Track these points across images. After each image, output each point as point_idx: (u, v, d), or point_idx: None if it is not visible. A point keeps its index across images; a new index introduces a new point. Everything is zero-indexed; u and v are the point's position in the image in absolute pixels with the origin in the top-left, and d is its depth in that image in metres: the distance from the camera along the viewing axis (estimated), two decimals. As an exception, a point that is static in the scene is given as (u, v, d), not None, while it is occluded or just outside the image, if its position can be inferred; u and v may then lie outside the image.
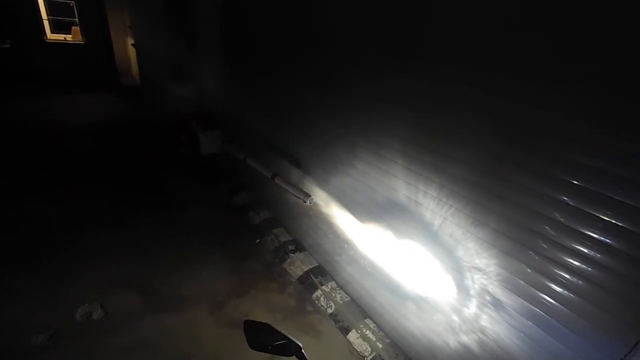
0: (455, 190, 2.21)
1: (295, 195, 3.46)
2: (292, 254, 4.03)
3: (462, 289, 2.31)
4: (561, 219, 1.82)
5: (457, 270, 2.30)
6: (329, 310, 3.39)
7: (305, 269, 3.83)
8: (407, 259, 2.65)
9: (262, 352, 1.41)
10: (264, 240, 4.33)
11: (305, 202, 3.32)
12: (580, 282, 1.81)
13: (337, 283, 3.65)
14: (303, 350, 1.28)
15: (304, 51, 3.42)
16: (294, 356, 1.30)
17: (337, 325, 3.26)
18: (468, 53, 2.06)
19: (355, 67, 2.81)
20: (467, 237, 2.19)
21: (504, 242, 2.05)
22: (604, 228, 1.67)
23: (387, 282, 2.95)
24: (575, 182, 1.73)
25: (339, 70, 2.99)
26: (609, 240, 1.68)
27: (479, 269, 2.18)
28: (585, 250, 1.76)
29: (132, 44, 10.40)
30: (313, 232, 3.90)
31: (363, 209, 3.04)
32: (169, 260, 3.80)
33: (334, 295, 3.53)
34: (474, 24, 2.02)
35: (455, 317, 2.43)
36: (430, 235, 2.42)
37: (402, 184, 2.57)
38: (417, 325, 2.78)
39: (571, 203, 1.75)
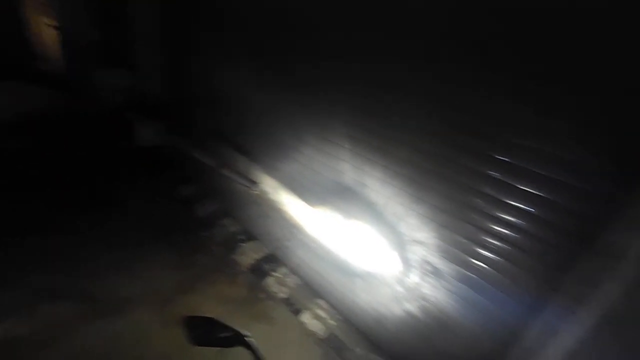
0: (399, 172, 2.34)
1: (242, 184, 3.37)
2: (243, 244, 3.94)
3: (405, 262, 2.48)
4: (491, 193, 2.03)
5: (401, 245, 2.46)
6: (282, 296, 3.41)
7: (256, 258, 3.78)
8: (355, 239, 2.77)
9: (208, 346, 1.37)
10: (213, 232, 4.16)
11: (252, 190, 3.25)
12: (506, 246, 2.05)
13: (288, 268, 3.68)
14: (251, 339, 1.27)
15: (250, 33, 3.27)
16: (243, 346, 1.29)
17: (290, 309, 3.30)
18: (410, 42, 2.15)
19: (301, 51, 2.78)
20: (409, 214, 2.35)
21: (442, 216, 2.24)
22: (525, 197, 1.90)
23: (337, 262, 3.06)
24: (503, 159, 1.93)
25: (284, 56, 2.93)
26: (528, 208, 1.92)
27: (420, 242, 2.36)
28: (510, 218, 2.00)
29: (49, 24, 8.86)
30: (263, 221, 3.86)
31: (311, 194, 3.07)
32: (108, 262, 3.46)
33: (286, 280, 3.56)
34: (413, 16, 2.11)
35: (399, 288, 2.62)
36: (376, 215, 2.55)
37: (348, 167, 2.64)
38: (366, 299, 2.94)
39: (500, 178, 1.96)
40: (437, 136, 2.13)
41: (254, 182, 3.25)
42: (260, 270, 3.67)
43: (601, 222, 1.66)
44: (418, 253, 2.40)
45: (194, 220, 4.38)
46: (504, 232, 2.03)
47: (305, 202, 3.13)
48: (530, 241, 1.95)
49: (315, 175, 2.98)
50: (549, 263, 1.86)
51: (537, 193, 1.85)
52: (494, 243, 2.09)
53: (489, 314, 2.14)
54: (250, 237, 4.06)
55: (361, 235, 2.70)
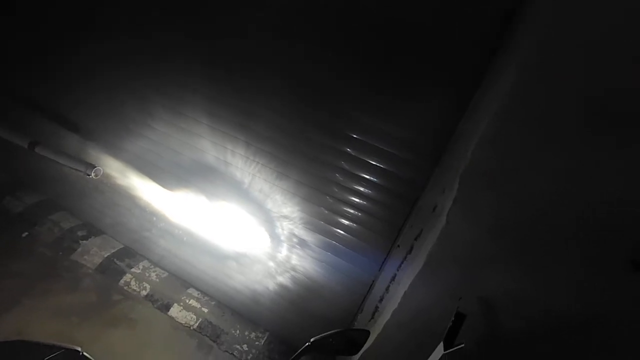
0: (261, 148, 2.28)
1: (72, 168, 2.69)
2: (84, 241, 3.24)
3: (275, 237, 2.52)
4: (346, 167, 2.20)
5: (269, 221, 2.47)
6: (143, 293, 3.01)
7: (106, 255, 3.19)
8: (223, 220, 2.63)
9: None
10: (37, 231, 3.26)
11: (89, 175, 2.65)
12: (359, 213, 2.30)
13: (150, 261, 3.25)
14: (84, 354, 1.05)
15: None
16: None
17: (155, 306, 2.95)
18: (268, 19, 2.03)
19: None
20: (274, 190, 2.35)
21: (305, 190, 2.32)
22: (371, 169, 2.14)
23: (206, 247, 2.86)
24: (354, 136, 2.10)
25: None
26: (374, 179, 2.17)
27: (286, 217, 2.41)
28: (362, 189, 2.23)
29: None
30: (110, 211, 3.24)
31: (169, 175, 2.72)
32: None
33: (147, 274, 3.14)
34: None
35: (271, 263, 2.66)
36: (242, 194, 2.46)
37: (209, 145, 2.42)
38: (240, 279, 2.89)
39: (353, 153, 2.14)
40: (297, 114, 2.15)
41: (89, 165, 2.64)
42: (112, 268, 3.12)
43: (422, 187, 2.03)
44: (285, 227, 2.45)
45: (4, 218, 3.33)
46: (357, 201, 2.26)
47: (163, 185, 2.76)
48: (377, 207, 2.23)
49: (171, 154, 2.63)
50: (391, 223, 2.19)
51: (379, 165, 2.12)
52: (350, 212, 2.32)
53: (349, 273, 2.40)
54: (94, 231, 3.37)
55: (229, 216, 2.57)
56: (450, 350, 1.77)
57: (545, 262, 1.62)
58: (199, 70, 2.26)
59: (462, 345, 1.71)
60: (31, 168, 3.37)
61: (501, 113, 1.45)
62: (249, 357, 2.75)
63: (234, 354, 2.76)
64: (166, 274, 3.21)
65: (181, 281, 3.19)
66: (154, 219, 2.97)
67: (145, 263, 3.25)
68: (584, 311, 1.61)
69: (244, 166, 2.36)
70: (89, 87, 2.70)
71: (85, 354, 1.06)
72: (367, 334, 1.30)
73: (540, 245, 1.62)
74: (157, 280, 3.13)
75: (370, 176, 2.18)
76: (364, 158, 2.15)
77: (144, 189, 2.85)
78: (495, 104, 1.48)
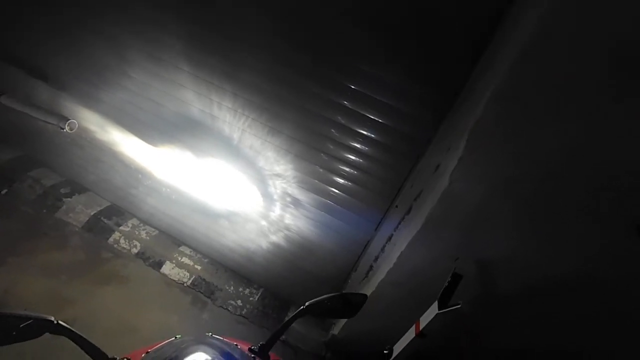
0: (250, 100, 2.08)
1: (44, 121, 2.47)
2: (68, 199, 3.11)
3: (267, 196, 2.41)
4: (342, 121, 2.03)
5: (261, 180, 2.34)
6: (134, 250, 2.96)
7: (92, 213, 3.08)
8: (212, 178, 2.50)
9: (6, 344, 1.00)
10: (16, 188, 3.10)
11: (64, 129, 2.44)
12: (355, 171, 2.18)
13: (139, 219, 3.16)
14: (60, 322, 0.97)
15: None
16: (53, 332, 0.97)
17: (147, 263, 2.92)
18: None
19: None
20: (266, 146, 2.19)
21: (299, 147, 2.17)
22: (370, 124, 1.98)
23: (196, 206, 2.76)
24: (352, 86, 1.90)
25: None
26: (373, 135, 2.02)
27: (279, 175, 2.28)
28: (359, 146, 2.08)
29: None
30: (93, 167, 3.07)
31: (152, 130, 2.52)
32: None
33: (137, 232, 3.07)
34: None
35: (264, 222, 2.59)
36: (232, 150, 2.30)
37: (192, 96, 2.21)
38: (232, 238, 2.83)
39: (350, 106, 1.95)
40: (289, 61, 1.93)
41: (62, 118, 2.42)
42: (100, 226, 3.03)
43: (426, 144, 1.89)
44: (278, 186, 2.34)
45: (-19, 175, 3.15)
46: (354, 159, 2.13)
47: (147, 141, 2.57)
48: (375, 165, 2.11)
49: (153, 106, 2.42)
50: (389, 182, 2.08)
51: (379, 120, 1.95)
52: (346, 170, 2.19)
53: (344, 233, 2.34)
54: (77, 189, 3.22)
55: (218, 173, 2.44)
56: (445, 309, 1.77)
57: (548, 225, 1.55)
58: (173, 4, 1.96)
59: (459, 305, 1.70)
60: (1, 121, 3.12)
61: (518, 66, 1.27)
62: (243, 312, 2.79)
63: (229, 309, 2.79)
64: (156, 231, 3.14)
65: (172, 239, 3.13)
66: (140, 176, 2.83)
67: (134, 221, 3.16)
68: (583, 274, 1.58)
69: (232, 120, 2.18)
70: (49, 27, 2.37)
71: (60, 322, 0.98)
72: (364, 297, 1.24)
73: (543, 208, 1.54)
74: (148, 238, 3.07)
75: (368, 132, 2.02)
76: (362, 112, 1.97)
77: (126, 145, 2.66)
78: (512, 54, 1.30)
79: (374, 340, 2.24)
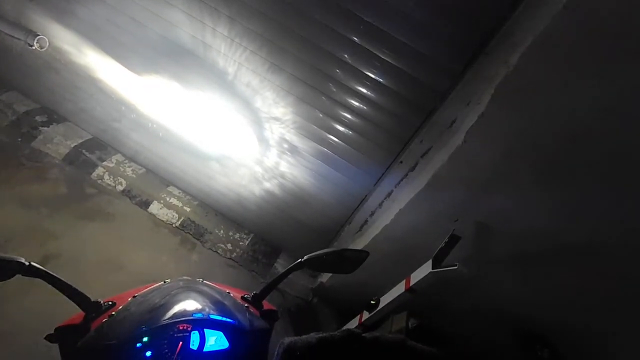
0: (249, 28, 1.81)
1: (7, 34, 2.14)
2: (45, 128, 2.87)
3: (263, 141, 2.25)
4: (349, 60, 1.82)
5: (257, 122, 2.16)
6: (120, 188, 2.83)
7: (73, 145, 2.87)
8: (203, 116, 2.30)
9: None
10: (-15, 112, 2.83)
11: (32, 46, 2.13)
12: (357, 119, 2.02)
13: (124, 155, 2.98)
14: (32, 263, 0.87)
15: None
16: (23, 275, 0.87)
17: (133, 201, 2.81)
18: None
19: None
20: (265, 85, 1.98)
21: (300, 88, 1.97)
22: (380, 67, 1.78)
23: (185, 145, 2.59)
24: (367, 19, 1.66)
25: None
26: (382, 80, 1.83)
27: (277, 119, 2.10)
28: (363, 90, 1.89)
29: None
30: (70, 95, 2.79)
31: (135, 55, 2.24)
32: None
33: (122, 169, 2.91)
34: None
35: (258, 168, 2.46)
36: (226, 86, 2.07)
37: (183, 18, 1.92)
38: (223, 182, 2.72)
39: (358, 42, 1.73)
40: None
41: (30, 32, 2.11)
42: (82, 160, 2.85)
43: (442, 95, 1.72)
44: (275, 131, 2.17)
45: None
46: (358, 106, 1.95)
47: (128, 67, 2.30)
48: (382, 115, 1.95)
49: (136, 27, 2.11)
50: (396, 136, 1.94)
51: (392, 62, 1.74)
52: (348, 117, 2.03)
53: (342, 185, 2.25)
54: (55, 118, 2.97)
55: (209, 111, 2.23)
56: (439, 269, 1.76)
57: (564, 191, 1.48)
58: None
59: (455, 267, 1.69)
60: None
61: (568, 12, 1.08)
62: (232, 256, 2.79)
63: (218, 252, 2.78)
64: (143, 170, 2.99)
65: (160, 178, 3.00)
66: (123, 108, 2.59)
67: (119, 157, 2.98)
68: (590, 245, 1.55)
69: (227, 51, 1.92)
70: None
71: (33, 264, 0.87)
72: (365, 254, 1.18)
73: (562, 173, 1.46)
74: (134, 176, 2.93)
75: (377, 76, 1.82)
76: (373, 50, 1.74)
77: (106, 71, 2.38)
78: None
79: (361, 291, 2.28)
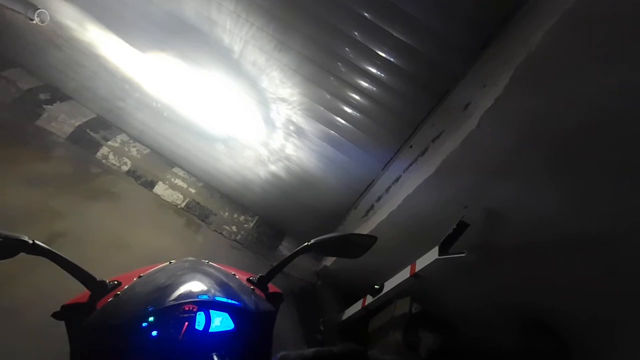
0: (256, 2, 1.74)
1: (7, 7, 2.08)
2: (49, 106, 2.84)
3: (269, 123, 2.21)
4: (359, 38, 1.75)
5: (263, 103, 2.11)
6: (124, 168, 2.82)
7: (77, 124, 2.85)
8: (209, 96, 2.25)
9: None
10: (-12, 88, 2.80)
11: (33, 20, 2.07)
12: (366, 101, 1.96)
13: (128, 135, 2.95)
14: (36, 242, 0.85)
15: None
16: (27, 253, 0.86)
17: (138, 182, 2.81)
18: None
19: None
20: (272, 64, 1.92)
21: (308, 67, 1.90)
22: (392, 45, 1.70)
23: (191, 126, 2.55)
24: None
25: None
26: (394, 59, 1.76)
27: (284, 100, 2.05)
28: (373, 70, 1.83)
29: None
30: (73, 72, 2.74)
31: (140, 32, 2.18)
32: None
33: (127, 149, 2.89)
34: None
35: (263, 150, 2.42)
36: (231, 65, 2.01)
37: (187, -8, 1.84)
38: (229, 163, 2.70)
39: (370, 18, 1.65)
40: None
41: (30, 6, 2.05)
42: (87, 139, 2.83)
43: (457, 77, 1.65)
44: (282, 112, 2.12)
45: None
46: (367, 87, 1.89)
47: (133, 45, 2.24)
48: (392, 97, 1.88)
49: (141, 3, 2.04)
50: (407, 119, 1.88)
51: (404, 40, 1.66)
52: (357, 99, 1.97)
53: (349, 169, 2.21)
54: (59, 96, 2.94)
55: (214, 91, 2.18)
56: (446, 256, 1.74)
57: (577, 181, 1.44)
58: None
59: (464, 254, 1.67)
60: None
61: None
62: (237, 238, 2.79)
63: (223, 233, 2.79)
64: (148, 150, 2.97)
65: (165, 159, 2.98)
66: (127, 87, 2.54)
67: (124, 137, 2.96)
68: (599, 237, 1.52)
69: (233, 28, 1.85)
70: None
71: (37, 242, 0.86)
72: (373, 240, 1.16)
73: (572, 162, 1.41)
74: (139, 156, 2.91)
75: (388, 55, 1.75)
76: (386, 27, 1.66)
77: (110, 48, 2.33)
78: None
79: (365, 275, 2.28)
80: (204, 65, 2.11)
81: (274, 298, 1.15)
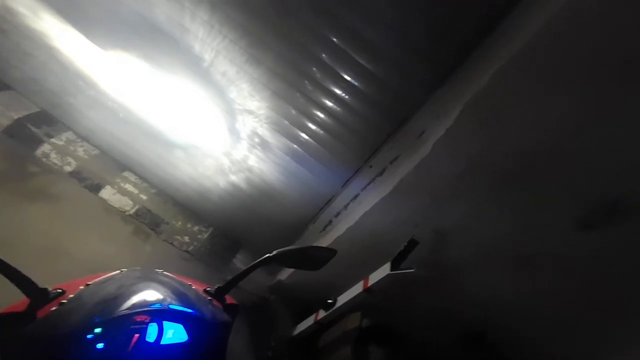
0: (231, 16, 1.77)
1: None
2: (-17, 94, 2.56)
3: (233, 133, 2.21)
4: (327, 61, 1.84)
5: (229, 113, 2.11)
6: (68, 168, 2.60)
7: (17, 117, 2.59)
8: (172, 101, 2.19)
9: None
10: None
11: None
12: (330, 120, 2.05)
13: (76, 133, 2.74)
14: None
15: None
16: None
17: (82, 184, 2.60)
18: None
19: None
20: (242, 76, 1.94)
21: (277, 83, 1.96)
22: (358, 71, 1.82)
23: (148, 129, 2.45)
24: (348, 22, 1.69)
25: None
26: (357, 83, 1.88)
27: (251, 112, 2.07)
28: (338, 92, 1.94)
29: None
30: (19, 61, 2.51)
31: (103, 28, 2.08)
32: None
33: (73, 148, 2.68)
34: None
35: (225, 160, 2.40)
36: (200, 73, 2.00)
37: (160, -4, 1.82)
38: (187, 171, 2.62)
39: (338, 43, 1.76)
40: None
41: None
42: (26, 134, 2.58)
43: (416, 106, 1.81)
44: (248, 124, 2.14)
45: None
46: (332, 107, 1.99)
47: (93, 40, 2.13)
48: (355, 118, 2.00)
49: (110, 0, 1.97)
50: (368, 140, 2.00)
51: (369, 67, 1.80)
52: (322, 117, 2.06)
53: (310, 184, 2.27)
54: (-2, 84, 2.66)
55: (180, 97, 2.14)
56: (397, 272, 1.84)
57: (513, 204, 1.63)
58: None
59: (413, 270, 1.78)
60: None
61: (544, 32, 1.19)
62: (189, 249, 2.68)
63: (174, 244, 2.66)
64: (97, 151, 2.78)
65: (116, 162, 2.80)
66: (81, 83, 2.39)
67: (70, 135, 2.74)
68: (529, 250, 1.72)
69: (206, 37, 1.86)
70: None
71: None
72: (333, 253, 1.21)
73: (515, 190, 1.60)
74: (86, 157, 2.71)
75: (354, 79, 1.87)
76: (352, 54, 1.78)
77: (67, 41, 2.19)
78: (538, 24, 1.22)
79: (319, 290, 2.32)
80: (170, 70, 2.07)
81: (230, 310, 1.13)
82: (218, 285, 1.16)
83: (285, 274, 2.56)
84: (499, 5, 1.50)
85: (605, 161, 1.35)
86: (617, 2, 1.08)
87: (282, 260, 1.16)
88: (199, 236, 2.78)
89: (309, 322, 2.30)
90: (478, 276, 1.89)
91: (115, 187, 2.68)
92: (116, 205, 2.61)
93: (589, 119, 1.29)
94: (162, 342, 0.89)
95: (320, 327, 2.29)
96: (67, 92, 2.52)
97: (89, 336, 0.82)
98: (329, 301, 2.16)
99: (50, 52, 2.32)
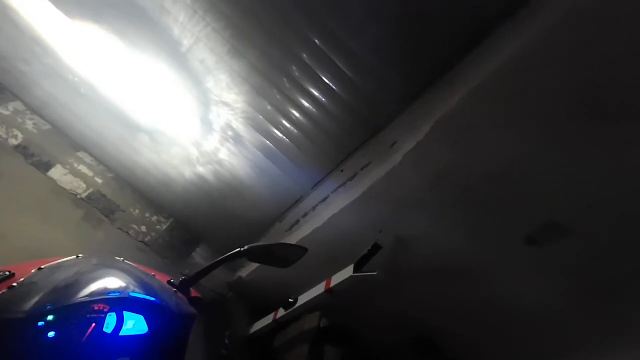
0: (216, 4, 1.73)
1: None
2: None
3: (206, 124, 2.14)
4: (307, 60, 1.86)
5: (204, 103, 2.05)
6: (13, 142, 2.35)
7: (-46, 77, 2.30)
8: (142, 82, 2.08)
9: None
10: None
11: None
12: (304, 120, 2.07)
13: (25, 104, 2.49)
14: None
15: None
16: None
17: (29, 161, 2.37)
18: None
19: None
20: (221, 67, 1.90)
21: (257, 78, 1.94)
22: (335, 74, 1.86)
23: (111, 108, 2.30)
24: (330, 25, 1.71)
25: None
26: (335, 87, 1.92)
27: (227, 104, 2.03)
28: (316, 93, 1.96)
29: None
30: (-36, 16, 2.24)
31: (71, -5, 1.93)
32: None
33: (21, 120, 2.43)
34: None
35: (193, 150, 2.32)
36: (177, 57, 1.92)
37: (140, -29, 1.73)
38: (151, 158, 2.49)
39: (320, 45, 1.78)
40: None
41: None
42: (-36, 98, 2.30)
43: (390, 116, 1.90)
44: (222, 116, 2.09)
45: None
46: (308, 107, 2.02)
47: (58, 6, 1.96)
48: (331, 122, 2.04)
49: (78, -36, 1.83)
50: (342, 145, 2.05)
51: (348, 73, 1.84)
52: (297, 116, 2.07)
53: (280, 183, 2.27)
54: None
55: (152, 79, 2.04)
56: (360, 274, 1.91)
57: (471, 219, 1.76)
58: None
59: (375, 273, 1.85)
60: None
61: (506, 70, 1.33)
62: (145, 239, 2.55)
63: (129, 232, 2.51)
64: (49, 126, 2.55)
65: (70, 140, 2.59)
66: (38, 49, 2.18)
67: (18, 105, 2.49)
68: (474, 262, 1.88)
69: (187, 22, 1.79)
70: None
71: None
72: (304, 251, 1.23)
73: (469, 204, 1.74)
74: (35, 131, 2.47)
75: (332, 83, 1.89)
76: (330, 55, 1.82)
77: (26, 3, 1.99)
78: (502, 59, 1.34)
79: (279, 289, 2.32)
80: (143, 50, 1.97)
81: (195, 303, 1.11)
82: (184, 277, 1.13)
83: (246, 271, 2.52)
84: (473, 34, 1.62)
85: (552, 187, 1.52)
86: (567, 48, 1.23)
87: (252, 256, 1.16)
88: (157, 227, 2.65)
89: (267, 320, 2.29)
90: (430, 283, 2.01)
91: (67, 167, 2.47)
92: (67, 187, 2.41)
93: (543, 148, 1.44)
94: (121, 333, 0.85)
95: (277, 326, 2.29)
96: (20, 57, 2.28)
97: (39, 324, 0.76)
98: (290, 300, 2.17)
99: (5, 12, 2.10)
